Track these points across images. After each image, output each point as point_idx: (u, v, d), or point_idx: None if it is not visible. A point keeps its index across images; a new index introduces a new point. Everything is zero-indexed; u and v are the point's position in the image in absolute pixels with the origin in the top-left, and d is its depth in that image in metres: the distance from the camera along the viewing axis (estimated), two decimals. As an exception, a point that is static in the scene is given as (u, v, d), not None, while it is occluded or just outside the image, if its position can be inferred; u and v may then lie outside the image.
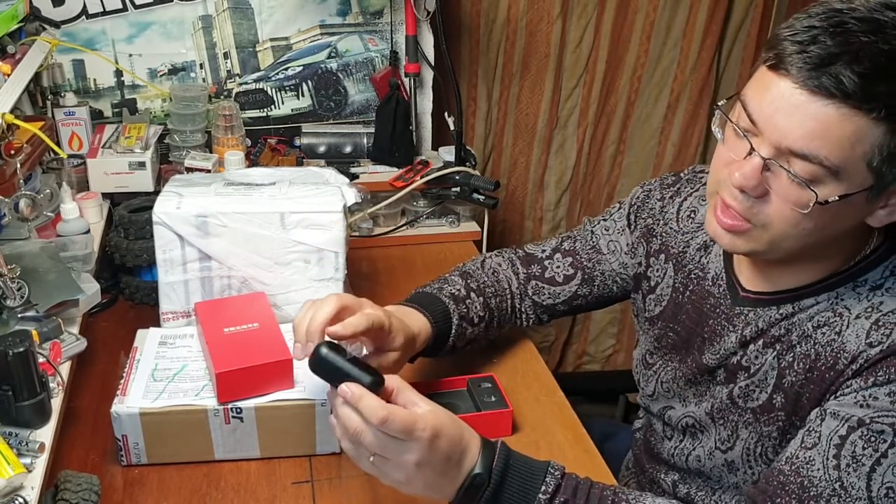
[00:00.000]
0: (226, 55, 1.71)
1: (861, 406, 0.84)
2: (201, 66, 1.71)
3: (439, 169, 1.67)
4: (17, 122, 1.10)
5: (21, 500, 0.84)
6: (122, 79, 1.67)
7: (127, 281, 1.40)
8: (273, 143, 1.76)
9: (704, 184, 1.10)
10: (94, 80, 1.66)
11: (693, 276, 1.09)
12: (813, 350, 0.91)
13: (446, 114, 1.70)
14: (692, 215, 1.12)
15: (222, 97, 1.73)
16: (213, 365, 1.04)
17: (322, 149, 1.77)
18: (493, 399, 1.13)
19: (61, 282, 1.12)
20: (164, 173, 1.55)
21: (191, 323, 1.22)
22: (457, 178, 1.65)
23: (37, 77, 1.44)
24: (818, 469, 0.84)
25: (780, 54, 0.81)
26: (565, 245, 1.25)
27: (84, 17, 1.61)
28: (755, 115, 0.84)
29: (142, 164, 1.47)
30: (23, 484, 0.86)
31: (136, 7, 1.62)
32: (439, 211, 1.72)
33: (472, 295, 1.19)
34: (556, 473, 0.89)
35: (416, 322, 1.10)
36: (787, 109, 0.81)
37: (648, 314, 1.16)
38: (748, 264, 1.01)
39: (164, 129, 1.64)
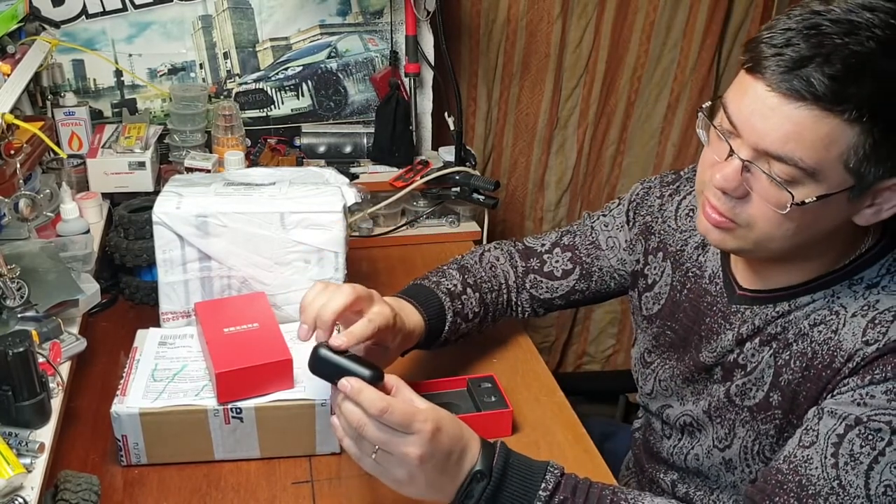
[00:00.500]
0: (226, 55, 1.71)
1: (858, 404, 0.84)
2: (201, 66, 1.71)
3: (439, 169, 1.67)
4: (16, 122, 1.10)
5: (21, 500, 0.84)
6: (122, 79, 1.67)
7: (127, 281, 1.40)
8: (273, 143, 1.76)
9: None
10: (94, 80, 1.66)
11: (690, 274, 1.09)
12: (809, 348, 0.92)
13: (446, 114, 1.69)
14: (691, 214, 1.12)
15: (222, 97, 1.73)
16: (213, 365, 1.04)
17: (322, 149, 1.77)
18: (493, 399, 1.13)
19: (61, 282, 1.12)
20: (164, 173, 1.55)
21: (191, 323, 1.22)
22: (457, 178, 1.65)
23: (37, 77, 1.44)
24: (816, 467, 0.85)
25: (756, 57, 0.83)
26: (565, 240, 1.26)
27: (84, 17, 1.61)
28: (734, 117, 0.86)
29: (142, 164, 1.47)
30: (23, 484, 0.86)
31: (136, 7, 1.62)
32: (439, 211, 1.72)
33: (469, 291, 1.20)
34: (555, 472, 0.90)
35: (411, 318, 1.11)
36: (762, 112, 0.82)
37: (646, 312, 1.17)
38: (744, 262, 1.01)
39: (163, 129, 1.64)
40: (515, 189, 2.10)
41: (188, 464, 1.06)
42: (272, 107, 1.76)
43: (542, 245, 1.27)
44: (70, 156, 1.52)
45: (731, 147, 0.86)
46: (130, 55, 1.66)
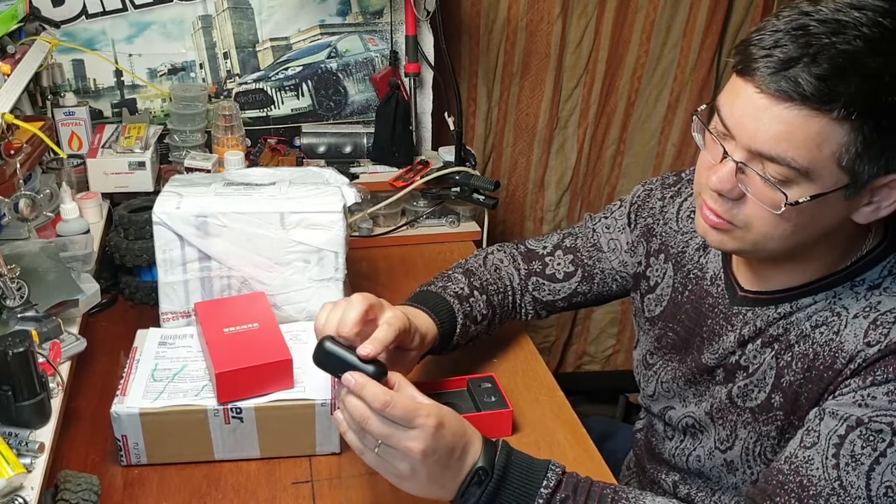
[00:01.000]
0: (226, 55, 1.71)
1: (860, 405, 0.84)
2: (201, 66, 1.71)
3: (439, 169, 1.67)
4: (16, 122, 1.10)
5: (21, 500, 0.84)
6: (122, 79, 1.67)
7: (127, 281, 1.40)
8: (273, 143, 1.76)
9: None
10: (94, 80, 1.66)
11: (692, 275, 1.09)
12: (811, 349, 0.92)
13: (446, 114, 1.69)
14: (692, 215, 1.12)
15: (222, 97, 1.73)
16: (212, 365, 1.04)
17: (322, 149, 1.77)
18: (493, 399, 1.13)
19: (61, 282, 1.12)
20: (164, 173, 1.55)
21: (191, 323, 1.22)
22: (457, 178, 1.65)
23: (37, 77, 1.44)
24: (817, 468, 0.85)
25: (745, 59, 0.83)
26: (566, 242, 1.26)
27: (84, 17, 1.61)
28: (727, 119, 0.86)
29: (142, 164, 1.47)
30: (22, 484, 0.86)
31: (136, 7, 1.62)
32: (439, 211, 1.72)
33: (476, 293, 1.20)
34: (557, 470, 0.90)
35: (423, 323, 1.10)
36: (753, 114, 0.82)
37: (648, 314, 1.17)
38: (746, 264, 1.01)
39: (163, 129, 1.64)
40: (515, 189, 2.10)
41: (188, 464, 1.06)
42: (272, 107, 1.76)
43: (544, 247, 1.27)
44: (70, 156, 1.52)
45: (724, 149, 0.87)
46: (130, 55, 1.66)
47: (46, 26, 1.50)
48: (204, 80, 1.72)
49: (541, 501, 0.88)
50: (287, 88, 1.76)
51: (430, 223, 1.71)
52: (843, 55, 0.78)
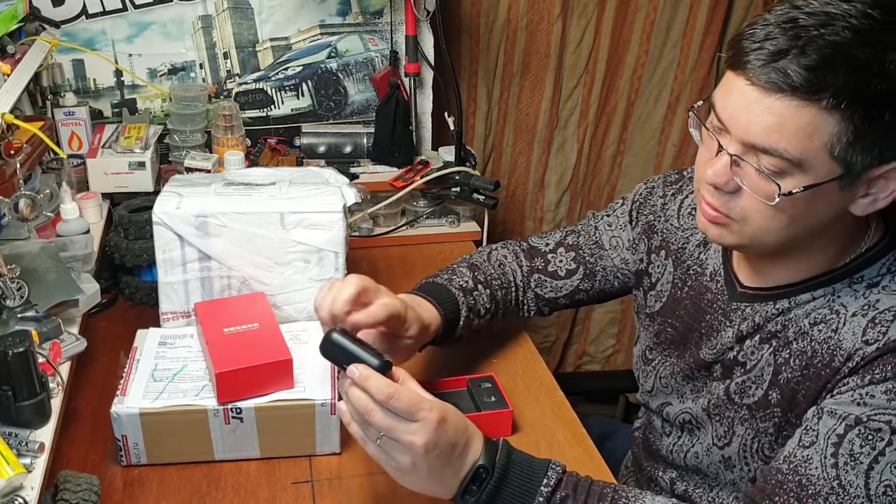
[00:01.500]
0: (226, 55, 1.71)
1: (858, 404, 0.84)
2: (201, 66, 1.71)
3: (439, 169, 1.67)
4: (16, 122, 1.10)
5: (21, 500, 0.84)
6: (122, 79, 1.67)
7: (127, 281, 1.40)
8: (273, 143, 1.76)
9: None
10: (94, 80, 1.66)
11: (692, 271, 1.10)
12: (809, 347, 0.92)
13: (446, 114, 1.69)
14: (693, 212, 1.12)
15: (222, 97, 1.73)
16: (213, 365, 1.04)
17: (322, 149, 1.77)
18: (493, 399, 1.13)
19: (61, 282, 1.12)
20: (164, 173, 1.55)
21: (191, 323, 1.22)
22: (457, 178, 1.65)
23: (36, 77, 1.44)
24: (816, 468, 0.85)
25: (737, 53, 0.85)
26: (569, 239, 1.26)
27: (84, 17, 1.61)
28: (721, 114, 0.88)
29: (142, 164, 1.47)
30: (22, 484, 0.86)
31: (136, 7, 1.62)
32: (439, 211, 1.72)
33: (480, 287, 1.20)
34: (557, 469, 0.90)
35: (427, 313, 1.11)
36: (745, 106, 0.84)
37: (649, 310, 1.17)
38: (745, 260, 1.02)
39: (163, 129, 1.64)
40: (515, 189, 2.10)
41: (188, 464, 1.06)
42: (272, 107, 1.76)
43: (547, 245, 1.27)
44: (70, 156, 1.52)
45: (719, 143, 0.88)
46: (130, 55, 1.66)
47: (46, 26, 1.50)
48: (204, 80, 1.72)
49: (541, 500, 0.88)
50: (287, 88, 1.76)
51: (430, 223, 1.71)
52: (832, 46, 0.79)
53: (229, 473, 1.06)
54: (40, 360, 0.97)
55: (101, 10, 1.61)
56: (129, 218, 1.36)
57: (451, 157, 1.69)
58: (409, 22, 1.69)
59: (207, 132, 1.63)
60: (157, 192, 1.24)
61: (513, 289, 1.26)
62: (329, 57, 1.75)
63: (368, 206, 1.63)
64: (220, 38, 1.69)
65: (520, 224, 2.14)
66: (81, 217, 1.37)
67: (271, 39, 1.71)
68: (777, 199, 0.84)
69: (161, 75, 1.69)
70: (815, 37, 0.80)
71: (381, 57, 1.77)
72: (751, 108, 0.83)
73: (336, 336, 0.92)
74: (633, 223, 1.21)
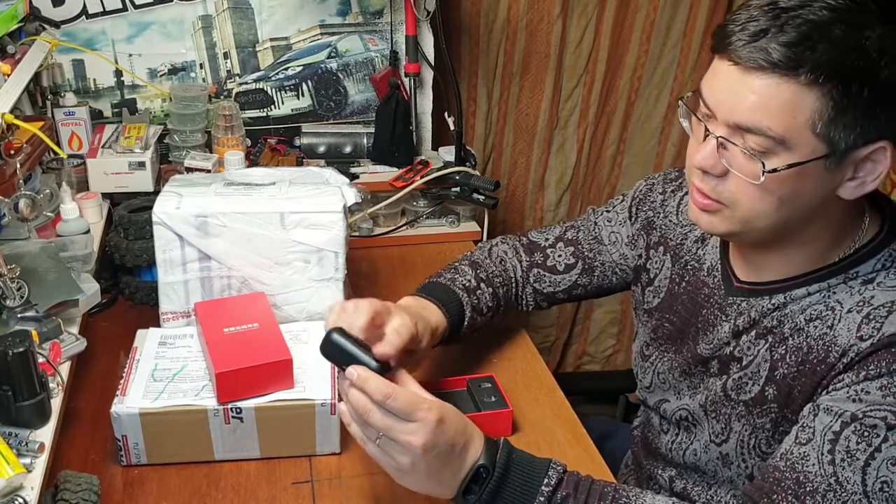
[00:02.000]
0: (226, 55, 1.71)
1: (854, 401, 0.85)
2: (201, 66, 1.71)
3: (439, 169, 1.67)
4: (16, 122, 1.10)
5: (21, 500, 0.84)
6: (122, 79, 1.67)
7: (127, 281, 1.40)
8: (273, 143, 1.76)
9: None
10: (94, 80, 1.66)
11: (689, 267, 1.10)
12: (805, 343, 0.92)
13: (446, 114, 1.69)
14: None
15: (222, 97, 1.73)
16: (213, 365, 1.04)
17: (322, 149, 1.77)
18: (493, 399, 1.13)
19: (61, 282, 1.12)
20: (164, 173, 1.55)
21: (191, 323, 1.22)
22: (457, 178, 1.65)
23: (37, 77, 1.44)
24: (813, 464, 0.85)
25: (721, 37, 0.87)
26: (568, 234, 1.27)
27: (84, 17, 1.61)
28: (708, 100, 0.89)
29: (142, 164, 1.47)
30: (22, 484, 0.86)
31: (136, 7, 1.62)
32: (439, 211, 1.72)
33: (482, 286, 1.21)
34: (558, 469, 0.90)
35: (434, 316, 1.12)
36: (729, 87, 0.86)
37: (647, 306, 1.18)
38: (742, 255, 1.02)
39: (164, 129, 1.64)
40: (515, 189, 2.10)
41: (188, 464, 1.06)
42: (272, 107, 1.76)
43: (546, 239, 1.28)
44: (70, 156, 1.52)
45: (705, 127, 0.90)
46: (130, 55, 1.66)
47: (46, 26, 1.50)
48: (204, 80, 1.72)
49: (542, 499, 0.88)
50: (287, 88, 1.76)
51: (430, 223, 1.71)
52: (809, 24, 0.81)
53: (229, 473, 1.06)
54: (40, 360, 0.97)
55: (102, 10, 1.61)
56: (129, 218, 1.36)
57: (451, 157, 1.69)
58: (409, 22, 1.69)
59: (207, 132, 1.63)
60: (157, 192, 1.24)
61: (513, 284, 1.26)
62: (329, 57, 1.75)
63: (368, 206, 1.63)
64: (220, 38, 1.69)
65: (520, 224, 2.14)
66: (81, 217, 1.37)
67: (271, 39, 1.71)
68: (763, 178, 0.85)
69: (161, 75, 1.69)
70: (794, 16, 0.82)
71: (381, 57, 1.77)
72: (734, 89, 0.85)
73: (336, 337, 0.92)
74: (633, 219, 1.21)
